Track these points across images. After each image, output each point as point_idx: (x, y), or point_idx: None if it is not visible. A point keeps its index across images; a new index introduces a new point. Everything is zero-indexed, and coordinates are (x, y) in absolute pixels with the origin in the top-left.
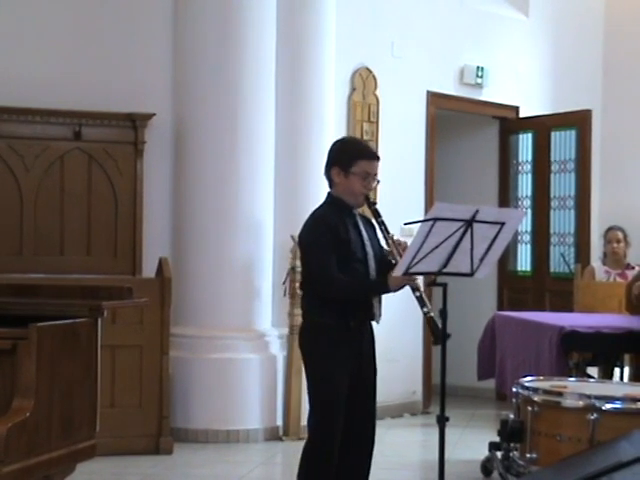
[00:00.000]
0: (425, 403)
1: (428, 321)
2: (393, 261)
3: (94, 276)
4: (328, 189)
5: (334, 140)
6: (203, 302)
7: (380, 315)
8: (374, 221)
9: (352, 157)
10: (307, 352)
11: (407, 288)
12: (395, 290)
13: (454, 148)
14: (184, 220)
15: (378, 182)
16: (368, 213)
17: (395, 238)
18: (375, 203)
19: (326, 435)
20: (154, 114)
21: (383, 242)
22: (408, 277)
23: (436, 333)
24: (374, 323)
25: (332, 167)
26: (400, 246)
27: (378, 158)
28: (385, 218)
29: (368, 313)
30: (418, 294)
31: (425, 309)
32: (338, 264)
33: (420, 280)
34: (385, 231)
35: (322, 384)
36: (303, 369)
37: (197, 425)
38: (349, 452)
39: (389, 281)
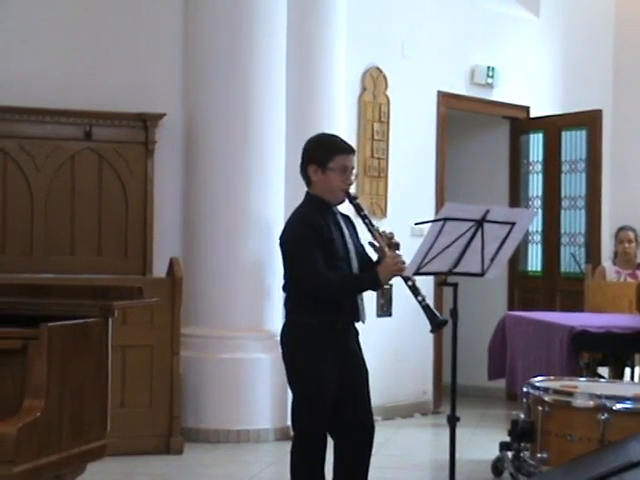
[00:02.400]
0: (436, 403)
1: (424, 309)
2: (381, 253)
3: (105, 276)
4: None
5: (307, 139)
6: (214, 302)
7: (387, 312)
8: (357, 215)
9: (328, 153)
10: (292, 352)
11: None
12: (386, 282)
13: (465, 148)
14: (195, 220)
15: (356, 177)
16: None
17: (381, 230)
18: (356, 197)
19: (312, 433)
20: (165, 114)
21: (369, 236)
22: (398, 268)
23: (433, 320)
24: (378, 323)
25: (308, 165)
26: (388, 237)
27: (354, 152)
28: (396, 218)
29: (354, 314)
30: (410, 283)
31: (419, 297)
32: (323, 263)
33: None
34: (370, 224)
35: (309, 383)
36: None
37: (208, 425)
38: (350, 452)
39: (379, 273)
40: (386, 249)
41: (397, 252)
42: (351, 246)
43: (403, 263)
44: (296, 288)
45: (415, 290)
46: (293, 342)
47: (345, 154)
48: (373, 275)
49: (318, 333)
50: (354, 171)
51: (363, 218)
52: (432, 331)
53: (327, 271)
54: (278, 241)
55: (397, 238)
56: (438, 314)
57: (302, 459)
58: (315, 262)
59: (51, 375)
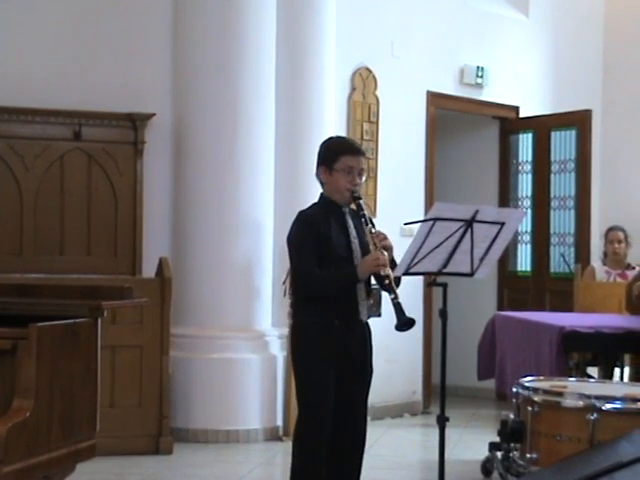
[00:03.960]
0: (425, 403)
1: (394, 306)
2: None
3: (94, 276)
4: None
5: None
6: (203, 302)
7: (377, 313)
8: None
9: (335, 154)
10: (294, 350)
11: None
12: (364, 278)
13: (454, 148)
14: (184, 220)
15: (365, 178)
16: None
17: (374, 230)
18: (360, 198)
19: (312, 433)
20: (154, 114)
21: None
22: (376, 264)
23: (400, 319)
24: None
25: (319, 167)
26: (378, 237)
27: (362, 154)
28: (385, 218)
29: (354, 312)
30: (387, 282)
31: (392, 295)
32: (322, 263)
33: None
34: (365, 222)
35: (307, 382)
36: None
37: (197, 425)
38: (340, 452)
39: (358, 270)
40: (371, 247)
41: (383, 252)
42: (356, 246)
43: (383, 263)
44: (298, 287)
45: (390, 288)
46: (293, 342)
47: (350, 155)
48: (352, 271)
49: (317, 333)
50: (363, 173)
51: (361, 217)
52: (397, 328)
53: (317, 269)
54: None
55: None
56: (406, 314)
57: (303, 455)
58: (305, 261)
59: (40, 375)
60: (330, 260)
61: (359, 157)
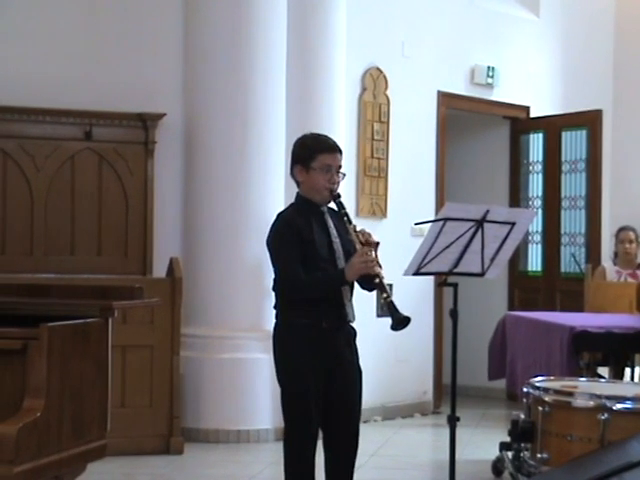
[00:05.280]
0: (436, 403)
1: (388, 305)
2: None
3: (105, 276)
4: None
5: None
6: (214, 302)
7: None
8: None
9: (311, 152)
10: (278, 351)
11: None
12: (353, 280)
13: (465, 148)
14: (195, 220)
15: (344, 175)
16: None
17: (359, 229)
18: (339, 196)
19: (298, 437)
20: (165, 114)
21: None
22: (365, 265)
23: (395, 318)
24: (378, 323)
25: (294, 166)
26: (364, 235)
27: (339, 151)
28: (396, 218)
29: (341, 313)
30: (377, 281)
31: (384, 294)
32: (305, 265)
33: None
34: (347, 222)
35: (293, 383)
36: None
37: (208, 425)
38: (333, 453)
39: (346, 271)
40: (358, 246)
41: (369, 250)
42: (338, 246)
43: (372, 261)
44: (280, 289)
45: (381, 287)
46: (280, 342)
47: (327, 153)
48: (340, 273)
49: (304, 333)
50: (341, 170)
51: (343, 216)
52: (393, 327)
53: (302, 272)
54: None
55: (395, 238)
56: (400, 312)
57: (291, 456)
58: (289, 263)
59: (51, 375)
60: (313, 262)
61: (336, 154)
